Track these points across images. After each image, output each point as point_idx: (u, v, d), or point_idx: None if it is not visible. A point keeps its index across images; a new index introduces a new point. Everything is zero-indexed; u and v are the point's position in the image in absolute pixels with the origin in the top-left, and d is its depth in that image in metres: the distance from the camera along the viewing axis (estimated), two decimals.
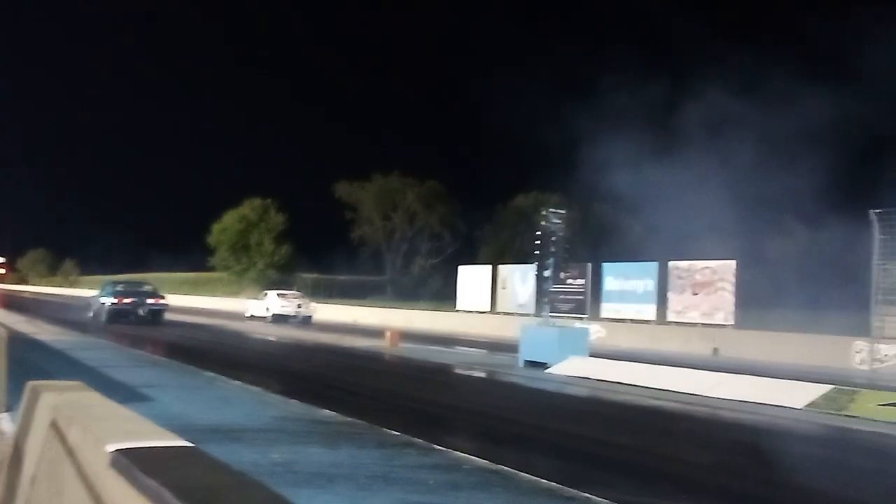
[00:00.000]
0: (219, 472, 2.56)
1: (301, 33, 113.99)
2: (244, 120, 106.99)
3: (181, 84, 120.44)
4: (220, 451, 4.68)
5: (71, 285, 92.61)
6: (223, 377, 12.92)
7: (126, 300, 28.11)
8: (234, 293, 57.82)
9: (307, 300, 38.11)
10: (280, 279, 56.62)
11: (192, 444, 2.91)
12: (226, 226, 60.83)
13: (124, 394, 9.58)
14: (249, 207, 60.81)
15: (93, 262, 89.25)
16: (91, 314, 29.86)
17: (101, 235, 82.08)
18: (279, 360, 18.72)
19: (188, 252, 67.45)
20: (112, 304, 27.83)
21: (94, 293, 33.04)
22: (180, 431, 3.06)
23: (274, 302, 36.56)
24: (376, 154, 68.85)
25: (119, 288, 29.49)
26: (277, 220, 60.62)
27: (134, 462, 2.50)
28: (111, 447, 2.69)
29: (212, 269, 64.26)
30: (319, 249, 56.70)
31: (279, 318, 35.38)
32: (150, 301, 28.53)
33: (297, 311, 36.01)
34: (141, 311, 27.89)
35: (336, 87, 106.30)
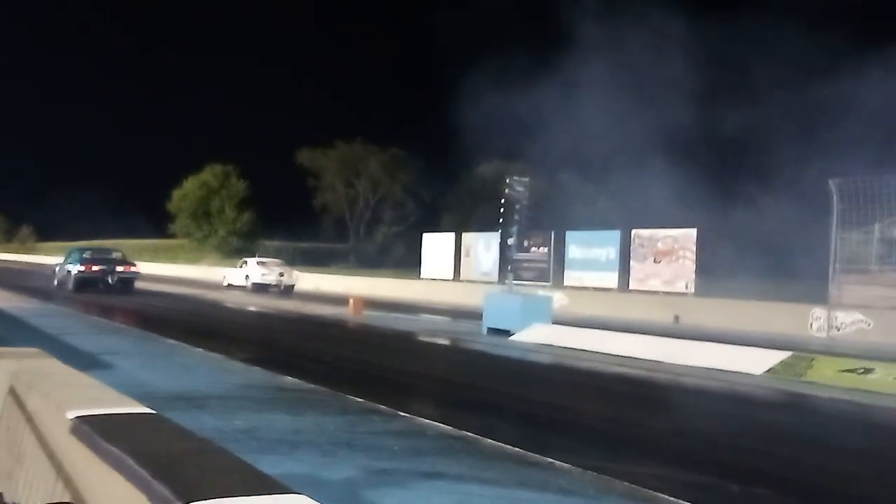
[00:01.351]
0: (181, 438, 2.53)
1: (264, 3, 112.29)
2: (205, 85, 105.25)
3: (141, 47, 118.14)
4: (183, 419, 4.62)
5: (28, 252, 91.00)
6: (185, 344, 12.82)
7: (94, 267, 26.87)
8: (194, 260, 57.28)
9: (289, 268, 36.27)
10: (242, 246, 56.22)
11: (154, 412, 2.87)
12: (186, 192, 60.19)
13: (84, 361, 9.46)
14: (210, 174, 60.17)
15: (50, 229, 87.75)
16: (56, 282, 28.69)
17: (58, 201, 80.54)
18: (242, 329, 18.62)
19: (148, 219, 66.59)
20: (79, 271, 26.67)
21: (58, 260, 31.53)
22: (142, 399, 3.02)
23: (254, 270, 34.97)
24: (339, 121, 68.22)
25: (86, 255, 27.95)
26: (239, 186, 60.07)
27: (95, 429, 2.46)
28: (72, 414, 2.65)
29: (172, 235, 63.59)
30: (282, 216, 56.29)
31: (259, 287, 33.92)
32: (119, 269, 27.34)
33: (278, 280, 34.43)
34: (110, 280, 26.79)
35: (299, 54, 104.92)
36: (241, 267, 36.32)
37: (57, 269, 29.47)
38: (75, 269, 26.78)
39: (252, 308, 24.70)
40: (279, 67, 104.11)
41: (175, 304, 25.23)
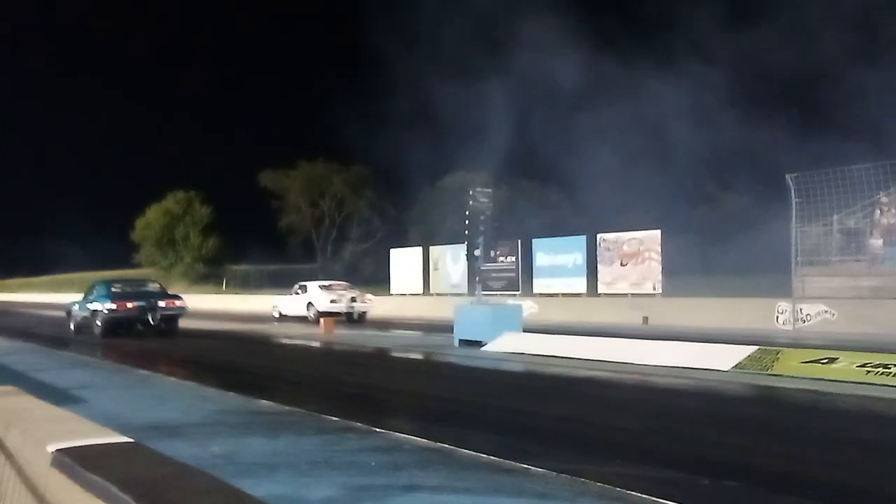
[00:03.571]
0: (161, 464, 2.62)
1: (217, 21, 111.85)
2: (161, 112, 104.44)
3: (103, 80, 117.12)
4: (160, 448, 4.63)
5: None
6: (158, 374, 12.79)
7: (130, 304, 21.79)
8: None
9: (361, 292, 30.97)
10: (209, 272, 55.87)
11: (133, 440, 2.95)
12: (149, 221, 59.78)
13: (57, 396, 9.43)
14: (173, 201, 59.82)
15: (9, 265, 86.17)
16: (73, 326, 23.67)
17: (17, 236, 79.31)
18: (217, 356, 18.55)
19: (111, 249, 65.85)
20: (110, 310, 21.58)
21: (73, 298, 25.99)
22: (119, 431, 3.09)
23: (319, 297, 29.54)
24: (299, 142, 68.09)
25: (117, 288, 23.11)
26: (203, 212, 59.76)
27: (76, 460, 2.54)
28: (52, 447, 2.72)
29: (137, 265, 63.03)
30: (248, 240, 56.04)
31: (325, 317, 27.13)
32: (161, 304, 22.21)
33: (349, 307, 29.21)
34: (151, 319, 21.84)
35: (253, 73, 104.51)
36: (297, 294, 30.79)
37: (74, 309, 24.02)
38: (104, 307, 21.75)
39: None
40: (235, 89, 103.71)
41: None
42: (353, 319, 28.72)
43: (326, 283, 32.01)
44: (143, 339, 20.95)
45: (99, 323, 21.78)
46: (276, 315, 31.18)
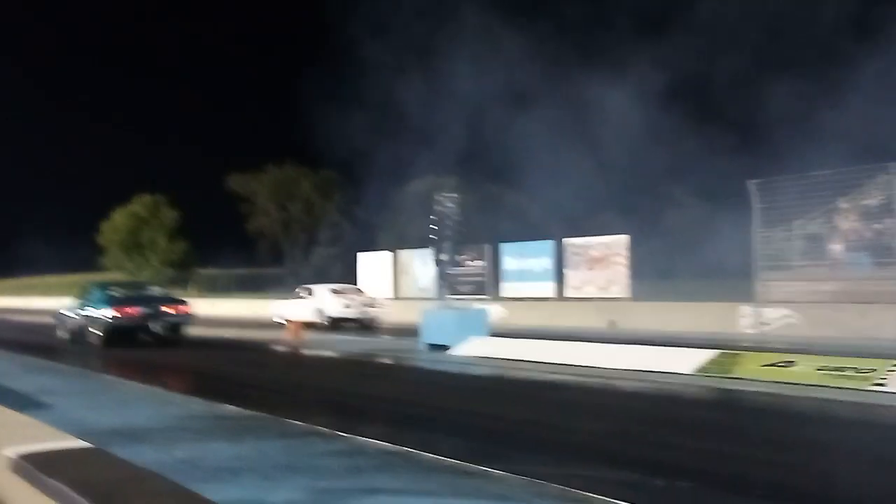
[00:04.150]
0: (119, 467, 2.69)
1: (182, 24, 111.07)
2: (127, 114, 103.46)
3: (65, 80, 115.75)
4: (124, 453, 4.68)
5: None
6: (122, 380, 12.75)
7: (131, 311, 19.69)
8: None
9: (371, 296, 28.98)
10: (177, 276, 55.43)
11: (92, 445, 3.01)
12: (116, 224, 59.20)
13: (20, 402, 9.39)
14: (140, 204, 59.29)
15: None
16: (66, 335, 21.54)
17: None
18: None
19: (75, 253, 65.10)
20: (112, 317, 19.43)
21: (64, 304, 23.25)
22: (81, 436, 3.15)
23: (330, 302, 27.14)
24: (267, 145, 67.80)
25: (115, 292, 21.04)
26: (170, 216, 59.28)
27: (35, 465, 2.61)
28: (11, 452, 2.78)
29: (103, 269, 62.40)
30: (215, 244, 55.69)
31: (335, 323, 26.64)
32: (166, 310, 20.29)
33: (362, 313, 26.88)
34: (155, 327, 19.93)
35: (218, 75, 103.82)
36: (303, 298, 28.32)
37: (66, 315, 21.92)
38: (103, 314, 19.61)
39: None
40: (202, 92, 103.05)
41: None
42: (365, 326, 26.51)
43: (337, 286, 29.32)
44: (147, 349, 19.28)
45: (98, 331, 19.62)
46: (278, 322, 28.00)
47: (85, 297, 21.11)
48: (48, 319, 23.87)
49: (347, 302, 27.11)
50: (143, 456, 6.41)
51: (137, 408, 9.76)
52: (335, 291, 28.01)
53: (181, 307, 20.80)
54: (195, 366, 16.57)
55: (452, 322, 17.72)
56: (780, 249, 20.84)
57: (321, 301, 27.36)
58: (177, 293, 28.66)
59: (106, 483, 2.43)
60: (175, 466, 6.23)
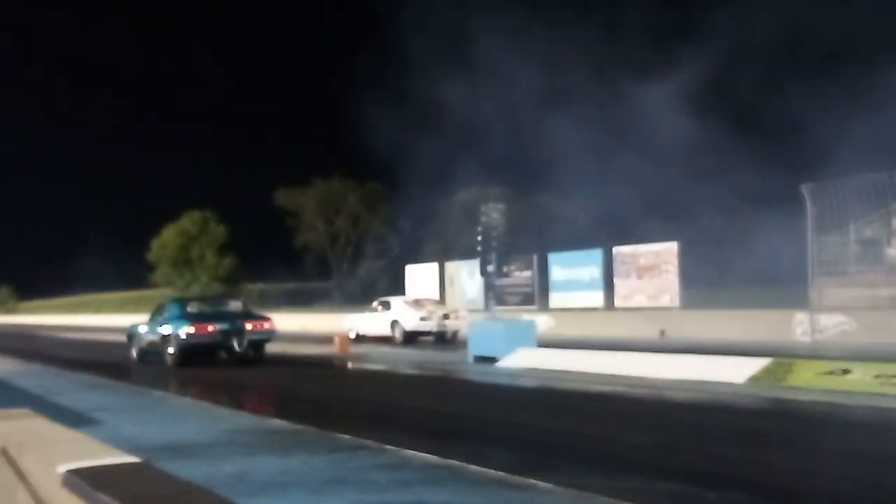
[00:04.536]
0: (168, 482, 2.71)
1: (233, 40, 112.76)
2: (177, 131, 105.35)
3: (117, 98, 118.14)
4: (173, 468, 4.74)
5: (10, 313, 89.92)
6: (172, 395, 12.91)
7: (210, 328, 18.49)
8: None
9: (451, 308, 27.59)
10: (225, 292, 56.11)
11: (141, 460, 3.04)
12: (165, 241, 60.12)
13: (73, 418, 9.56)
14: (189, 221, 60.15)
15: (27, 288, 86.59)
16: (135, 354, 20.82)
17: (34, 259, 79.98)
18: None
19: (125, 270, 66.32)
20: (188, 335, 18.32)
21: (137, 320, 22.57)
22: (131, 452, 3.18)
23: (406, 314, 25.84)
24: (314, 160, 68.50)
25: (194, 308, 19.80)
26: (218, 231, 60.03)
27: (86, 480, 2.64)
28: (63, 468, 2.82)
29: (153, 286, 63.42)
30: (263, 259, 56.31)
31: (412, 337, 25.36)
32: (249, 326, 18.96)
33: (441, 326, 25.33)
34: (237, 345, 18.63)
35: (266, 93, 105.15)
36: (378, 311, 27.15)
37: (138, 332, 20.94)
38: (179, 332, 18.46)
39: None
40: (251, 107, 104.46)
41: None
42: (445, 340, 25.13)
43: (415, 298, 28.70)
44: (225, 367, 18.57)
45: (172, 350, 18.61)
46: (353, 336, 26.88)
47: (160, 313, 20.10)
48: (106, 336, 24.11)
49: (425, 314, 25.62)
50: (192, 471, 6.46)
51: (188, 422, 9.86)
52: (412, 303, 26.92)
53: (264, 323, 19.43)
54: (236, 379, 16.71)
55: (499, 334, 17.64)
56: (835, 254, 20.44)
57: (397, 314, 26.10)
58: None
59: (154, 498, 2.45)
60: (224, 481, 6.28)
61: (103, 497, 2.48)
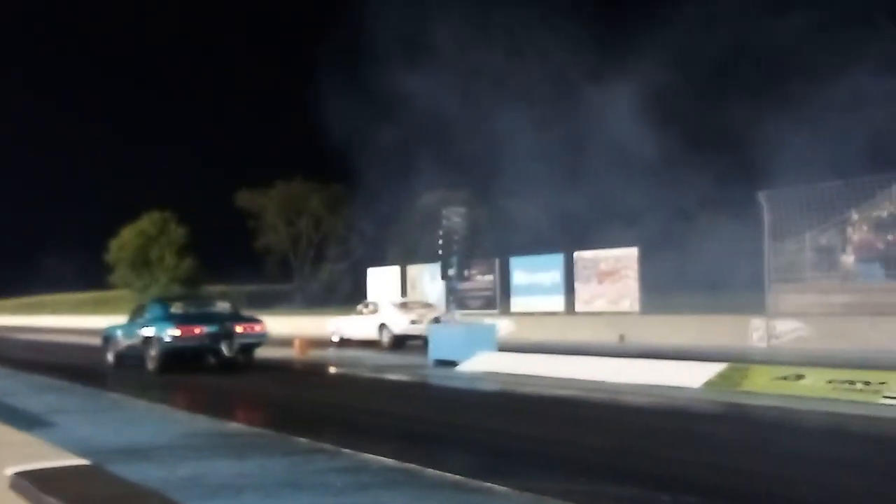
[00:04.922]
0: (117, 485, 2.70)
1: (192, 41, 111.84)
2: (136, 131, 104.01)
3: (77, 99, 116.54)
4: (128, 471, 4.68)
5: None
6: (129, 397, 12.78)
7: (197, 330, 17.15)
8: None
9: (442, 311, 24.24)
10: (186, 293, 55.59)
11: (92, 463, 3.02)
12: (124, 241, 59.38)
13: (26, 421, 9.43)
14: (148, 221, 59.46)
15: None
16: (112, 357, 19.40)
17: None
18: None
19: (80, 271, 65.35)
20: (173, 337, 16.96)
21: (114, 322, 21.58)
22: (86, 455, 3.16)
23: (395, 317, 24.87)
24: (275, 161, 68.11)
25: (178, 309, 18.35)
26: (178, 232, 59.43)
27: (34, 482, 2.62)
28: (11, 470, 2.79)
29: (111, 287, 62.61)
30: (224, 261, 55.88)
31: (401, 341, 24.38)
32: (238, 329, 17.73)
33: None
34: (226, 349, 17.37)
35: (227, 93, 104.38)
36: (364, 313, 26.18)
37: (116, 335, 19.44)
38: (163, 334, 17.09)
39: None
40: (211, 108, 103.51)
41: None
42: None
43: (402, 300, 27.85)
44: (200, 373, 17.31)
45: (154, 353, 17.23)
46: (336, 340, 26.39)
47: (140, 314, 18.82)
48: (64, 338, 23.62)
49: (415, 317, 24.47)
50: (148, 474, 6.37)
51: (143, 426, 9.78)
52: (401, 306, 26.13)
53: (255, 326, 18.17)
54: (193, 381, 16.55)
55: (460, 337, 17.69)
56: (791, 261, 20.72)
57: (385, 317, 25.12)
58: None
59: (102, 500, 2.44)
60: (178, 484, 6.20)
61: (50, 500, 2.46)
